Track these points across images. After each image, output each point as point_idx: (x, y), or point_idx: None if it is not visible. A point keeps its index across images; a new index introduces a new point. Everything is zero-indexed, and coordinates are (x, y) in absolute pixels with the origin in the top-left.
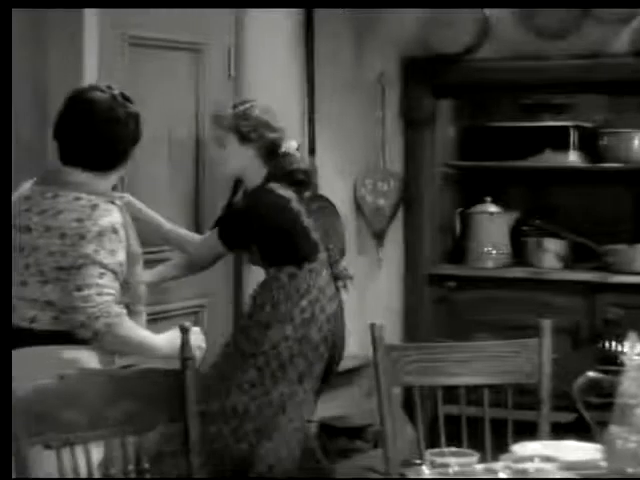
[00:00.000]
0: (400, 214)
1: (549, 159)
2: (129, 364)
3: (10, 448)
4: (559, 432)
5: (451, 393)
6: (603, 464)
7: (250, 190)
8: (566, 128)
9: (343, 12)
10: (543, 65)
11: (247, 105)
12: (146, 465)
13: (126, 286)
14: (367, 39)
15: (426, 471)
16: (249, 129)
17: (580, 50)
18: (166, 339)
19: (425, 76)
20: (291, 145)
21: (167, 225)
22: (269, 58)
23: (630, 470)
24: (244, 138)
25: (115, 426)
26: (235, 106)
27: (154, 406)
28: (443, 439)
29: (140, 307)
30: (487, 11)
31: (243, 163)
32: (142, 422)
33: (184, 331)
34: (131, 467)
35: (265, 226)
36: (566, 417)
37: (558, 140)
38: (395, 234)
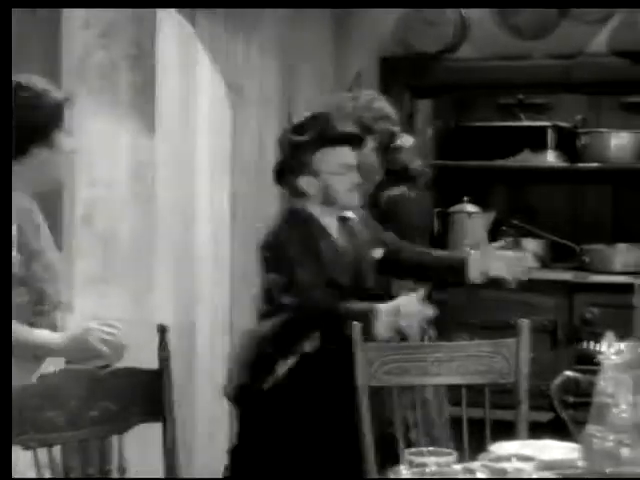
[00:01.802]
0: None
1: (527, 159)
2: (106, 364)
3: (10, 448)
4: (537, 431)
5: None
6: (580, 463)
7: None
8: (544, 128)
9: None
10: (522, 65)
11: (369, 96)
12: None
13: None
14: (345, 38)
15: (404, 471)
16: (371, 121)
17: (559, 50)
18: (66, 336)
19: (403, 76)
20: (407, 140)
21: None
22: None
23: (607, 470)
24: (366, 130)
25: (94, 426)
26: (355, 97)
27: (132, 406)
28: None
29: (47, 307)
30: (465, 11)
31: (360, 157)
32: (121, 422)
33: (162, 330)
34: (109, 467)
35: None
36: (544, 416)
37: (536, 140)
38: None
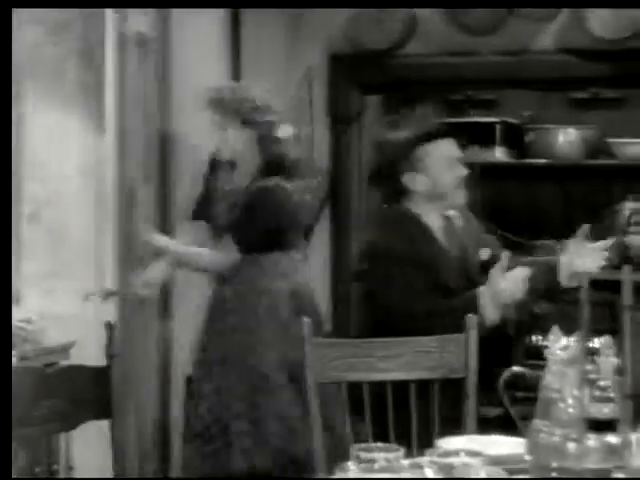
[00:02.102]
0: (327, 210)
1: (476, 155)
2: (53, 362)
3: (10, 448)
4: (485, 426)
5: (376, 388)
6: (527, 458)
7: (256, 187)
8: (492, 124)
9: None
10: (470, 61)
11: (248, 87)
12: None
13: None
14: (295, 35)
15: (352, 467)
16: (250, 111)
17: (507, 47)
18: None
19: (353, 72)
20: (286, 130)
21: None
22: (196, 52)
23: (554, 464)
24: (245, 121)
25: (42, 424)
26: (234, 88)
27: (80, 403)
28: (370, 434)
29: None
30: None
31: (240, 147)
32: (68, 420)
33: (109, 327)
34: (56, 467)
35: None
36: (492, 411)
37: (484, 136)
38: (322, 230)
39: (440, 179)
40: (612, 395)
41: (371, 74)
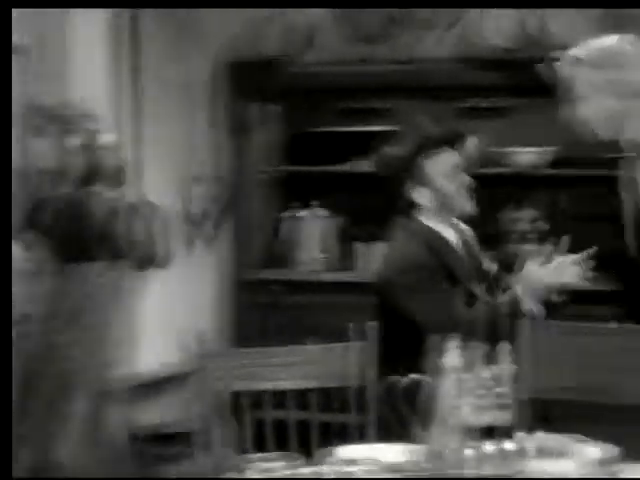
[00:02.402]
0: (223, 219)
1: (372, 164)
2: None
3: (10, 447)
4: (383, 434)
5: (278, 397)
6: (425, 465)
7: (75, 194)
8: (387, 133)
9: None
10: (365, 70)
11: (67, 95)
12: None
13: None
14: (192, 41)
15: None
16: (73, 119)
17: (400, 55)
18: None
19: (250, 80)
20: (107, 138)
21: None
22: (93, 55)
23: (449, 470)
24: (65, 129)
25: None
26: (56, 96)
27: None
28: (270, 444)
29: None
30: (310, 15)
31: (62, 154)
32: None
33: None
34: None
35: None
36: (390, 419)
37: (380, 144)
38: (220, 240)
39: (444, 189)
40: (508, 402)
41: (269, 82)
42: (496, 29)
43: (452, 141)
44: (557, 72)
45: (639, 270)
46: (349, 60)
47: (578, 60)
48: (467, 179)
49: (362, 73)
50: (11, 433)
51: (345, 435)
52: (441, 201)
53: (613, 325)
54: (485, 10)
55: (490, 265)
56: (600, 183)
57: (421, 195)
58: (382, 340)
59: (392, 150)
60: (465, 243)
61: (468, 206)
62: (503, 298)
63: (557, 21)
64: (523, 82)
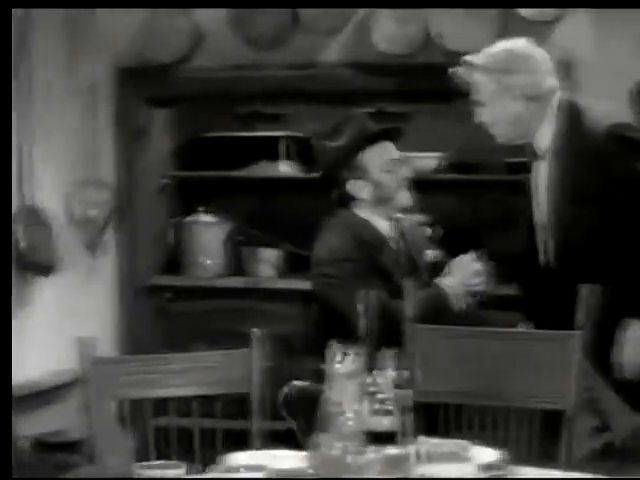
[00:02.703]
0: (115, 225)
1: (264, 169)
2: None
3: (10, 448)
4: (272, 441)
5: (165, 404)
6: (310, 471)
7: None
8: (279, 138)
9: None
10: (257, 75)
11: None
12: None
13: None
14: (81, 45)
15: None
16: None
17: (293, 61)
18: None
19: (139, 85)
20: None
21: None
22: None
23: (337, 476)
24: None
25: None
26: None
27: None
28: (155, 452)
29: None
30: (200, 20)
31: None
32: None
33: None
34: None
35: None
36: (278, 425)
37: (272, 150)
38: (110, 246)
39: (382, 183)
40: (391, 407)
41: (158, 88)
42: (384, 34)
43: (390, 135)
44: (459, 77)
45: (540, 274)
46: (243, 65)
47: (475, 66)
48: (405, 173)
49: (256, 78)
50: (11, 430)
51: (240, 442)
52: (379, 194)
53: (500, 329)
54: (373, 15)
55: (436, 257)
56: (499, 187)
57: (358, 188)
58: (316, 334)
59: (331, 143)
60: (403, 237)
61: (406, 199)
62: (425, 292)
63: (443, 25)
64: (416, 87)
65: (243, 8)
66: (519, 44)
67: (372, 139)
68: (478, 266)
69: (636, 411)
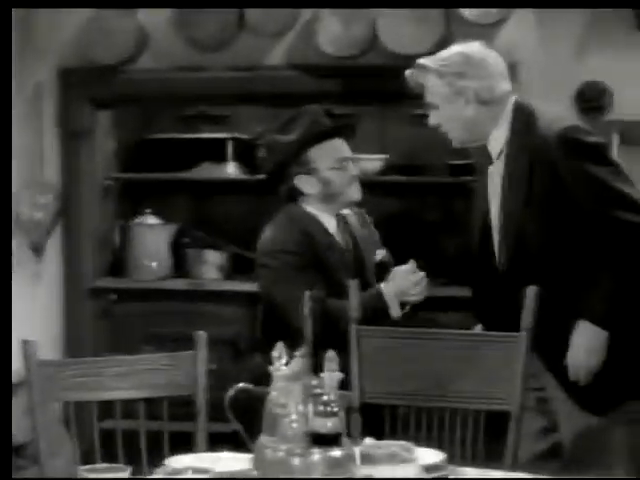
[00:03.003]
0: (59, 227)
1: (209, 171)
2: None
3: (10, 448)
4: (218, 443)
5: (110, 407)
6: (255, 473)
7: None
8: (224, 140)
9: None
10: (201, 77)
11: None
12: None
13: None
14: (24, 46)
15: None
16: None
17: (237, 63)
18: None
19: (83, 87)
20: None
21: None
22: None
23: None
24: None
25: None
26: None
27: None
28: (99, 455)
29: None
30: (144, 21)
31: None
32: None
33: None
34: None
35: None
36: (224, 427)
37: (217, 152)
38: (54, 248)
39: (331, 180)
40: (336, 409)
41: (102, 89)
42: (329, 36)
43: (343, 132)
44: (413, 80)
45: (492, 276)
46: (188, 66)
47: (428, 69)
48: (354, 171)
49: (201, 79)
50: (11, 432)
51: (186, 444)
52: (327, 191)
53: (445, 330)
54: (319, 17)
55: (384, 257)
56: (443, 189)
57: (307, 183)
58: (262, 336)
59: (282, 137)
60: (351, 235)
61: (354, 195)
62: (367, 294)
63: (388, 27)
64: (361, 89)
65: (188, 8)
66: (473, 48)
67: (325, 135)
68: (417, 276)
69: (586, 412)
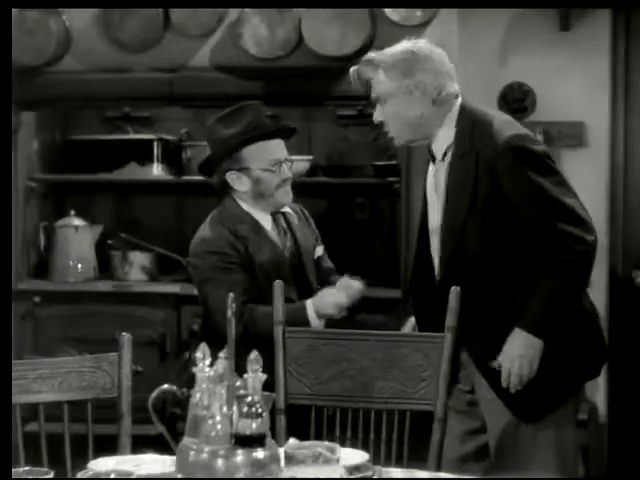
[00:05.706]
0: None
1: (134, 172)
2: None
3: (10, 447)
4: (143, 445)
5: (34, 409)
6: (179, 475)
7: None
8: (149, 141)
9: None
10: (126, 78)
11: None
12: None
13: None
14: None
15: None
16: None
17: (162, 64)
18: None
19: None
20: None
21: None
22: None
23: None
24: None
25: None
26: None
27: None
28: (22, 458)
29: None
30: (68, 22)
31: None
32: None
33: None
34: None
35: None
36: (149, 430)
37: (142, 153)
38: None
39: (262, 181)
40: (260, 411)
41: (25, 90)
42: (254, 37)
43: (280, 134)
44: (359, 76)
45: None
46: (112, 67)
47: (376, 64)
48: (287, 174)
49: (125, 80)
50: (10, 433)
51: (110, 446)
52: (257, 190)
53: (369, 331)
54: (244, 18)
55: (320, 252)
56: (370, 190)
57: (238, 180)
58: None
59: (223, 129)
60: (285, 231)
61: (285, 198)
62: (292, 306)
63: (312, 29)
64: (287, 90)
65: (112, 7)
66: (421, 45)
67: (266, 135)
68: (355, 288)
69: (515, 415)
